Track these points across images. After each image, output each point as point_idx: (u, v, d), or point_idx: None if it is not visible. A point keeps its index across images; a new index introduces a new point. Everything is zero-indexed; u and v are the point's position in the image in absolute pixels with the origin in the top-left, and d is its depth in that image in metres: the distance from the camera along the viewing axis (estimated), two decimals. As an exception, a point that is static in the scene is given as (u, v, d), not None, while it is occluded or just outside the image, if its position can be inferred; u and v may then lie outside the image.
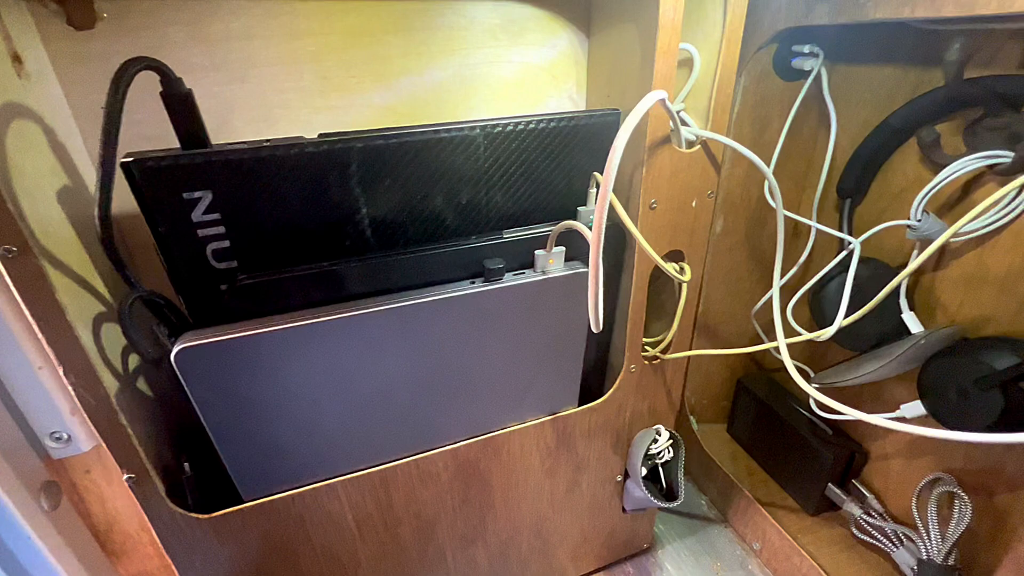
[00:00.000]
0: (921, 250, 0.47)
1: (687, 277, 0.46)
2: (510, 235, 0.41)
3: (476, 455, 0.47)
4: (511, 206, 0.41)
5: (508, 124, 0.38)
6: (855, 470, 0.61)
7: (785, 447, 0.66)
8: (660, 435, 0.53)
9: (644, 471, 0.53)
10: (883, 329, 0.51)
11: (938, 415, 0.46)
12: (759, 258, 0.65)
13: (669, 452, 0.53)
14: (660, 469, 0.54)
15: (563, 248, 0.41)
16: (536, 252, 0.41)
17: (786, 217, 0.59)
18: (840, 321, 0.46)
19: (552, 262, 0.41)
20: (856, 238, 0.50)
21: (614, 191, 0.45)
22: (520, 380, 0.46)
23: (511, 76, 0.48)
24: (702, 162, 0.42)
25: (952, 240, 0.46)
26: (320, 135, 0.35)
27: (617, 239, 0.46)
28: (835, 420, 0.63)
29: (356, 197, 0.36)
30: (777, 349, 0.45)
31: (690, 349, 0.52)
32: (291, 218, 0.36)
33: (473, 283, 0.40)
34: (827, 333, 0.47)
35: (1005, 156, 0.41)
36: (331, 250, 0.38)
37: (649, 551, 0.67)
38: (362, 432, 0.42)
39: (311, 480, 0.41)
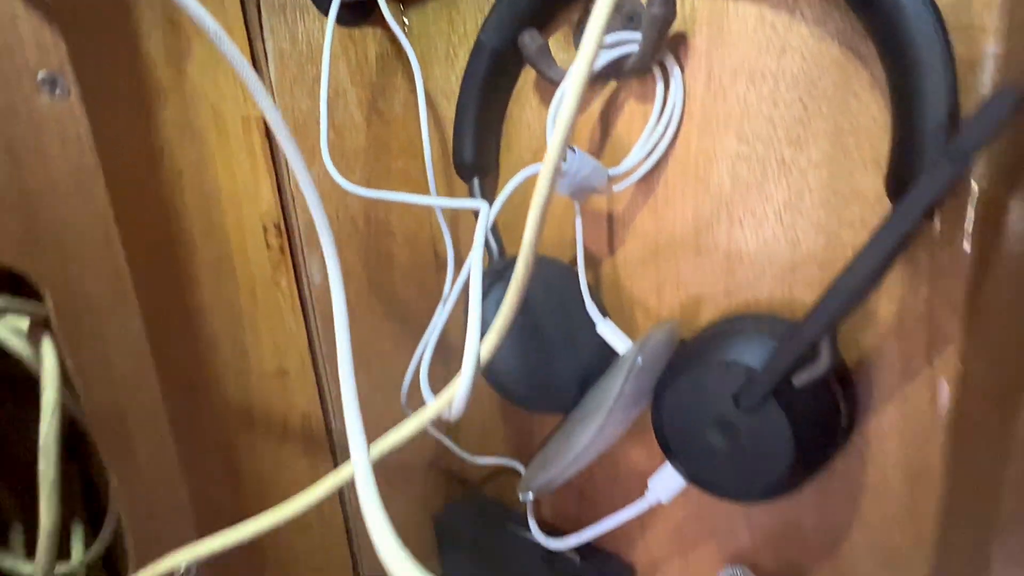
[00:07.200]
0: (584, 201, 0.29)
1: (47, 359, 0.16)
2: None
3: None
4: None
5: None
6: (627, 603, 0.38)
7: (527, 610, 0.39)
8: None
9: None
10: (582, 361, 0.30)
11: (702, 478, 0.26)
12: (399, 313, 0.41)
13: None
14: None
15: None
16: None
17: (424, 248, 0.37)
18: (476, 341, 0.22)
19: None
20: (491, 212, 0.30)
21: None
22: None
23: None
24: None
25: (615, 189, 0.30)
26: None
27: None
28: (572, 523, 0.39)
29: None
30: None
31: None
32: None
33: None
34: (459, 382, 0.22)
35: (630, 40, 0.26)
36: None
37: None
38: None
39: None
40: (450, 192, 0.40)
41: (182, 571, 0.19)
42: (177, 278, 0.26)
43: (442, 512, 0.44)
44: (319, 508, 0.40)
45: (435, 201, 0.29)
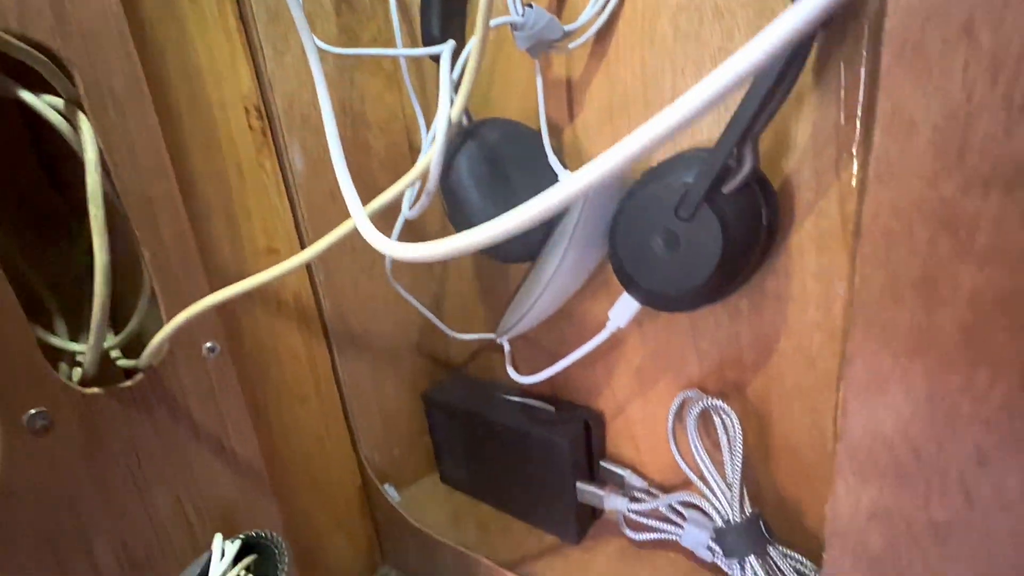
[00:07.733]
0: (544, 63, 0.32)
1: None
2: None
3: None
4: None
5: None
6: (599, 447, 0.43)
7: (511, 461, 0.43)
8: (222, 550, 0.22)
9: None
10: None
11: (654, 297, 0.31)
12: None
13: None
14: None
15: None
16: None
17: (398, 138, 0.39)
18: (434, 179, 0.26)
19: None
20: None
21: None
22: None
23: None
24: None
25: (571, 47, 0.32)
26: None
27: None
28: (547, 386, 0.44)
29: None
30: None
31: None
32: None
33: None
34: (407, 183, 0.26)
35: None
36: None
37: None
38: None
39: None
40: (421, 83, 0.42)
41: (207, 347, 0.22)
42: (169, 144, 0.28)
43: (430, 389, 0.48)
44: (316, 382, 0.44)
45: (402, 52, 0.32)
